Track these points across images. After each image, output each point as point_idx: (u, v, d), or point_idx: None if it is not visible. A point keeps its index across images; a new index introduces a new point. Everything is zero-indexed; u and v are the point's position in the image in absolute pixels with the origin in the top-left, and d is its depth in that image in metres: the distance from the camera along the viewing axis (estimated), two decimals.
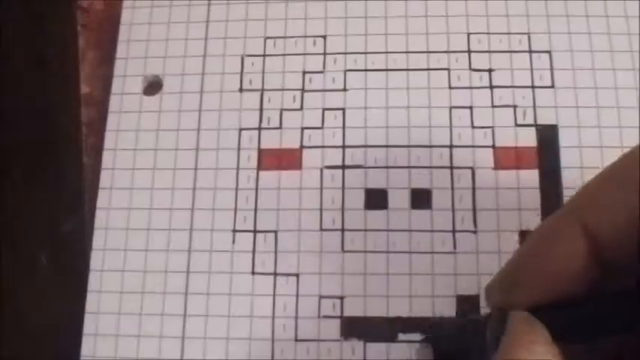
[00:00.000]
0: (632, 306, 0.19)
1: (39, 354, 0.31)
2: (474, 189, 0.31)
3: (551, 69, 0.32)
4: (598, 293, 0.20)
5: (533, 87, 0.32)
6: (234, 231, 0.31)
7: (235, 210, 0.31)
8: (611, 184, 0.20)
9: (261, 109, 0.32)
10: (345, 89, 0.32)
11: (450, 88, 0.32)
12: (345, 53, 0.33)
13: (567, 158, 0.31)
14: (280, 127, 0.32)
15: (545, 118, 0.31)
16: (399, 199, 0.31)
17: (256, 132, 0.32)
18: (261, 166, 0.32)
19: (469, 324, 0.27)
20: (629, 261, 0.20)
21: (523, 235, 0.30)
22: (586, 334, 0.21)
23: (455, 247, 0.30)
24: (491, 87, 0.32)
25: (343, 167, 0.31)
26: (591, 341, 0.21)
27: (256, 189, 0.31)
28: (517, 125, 0.31)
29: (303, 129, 0.32)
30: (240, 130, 0.32)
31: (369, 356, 0.29)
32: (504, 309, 0.22)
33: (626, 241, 0.19)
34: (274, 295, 0.30)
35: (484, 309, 0.28)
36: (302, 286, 0.30)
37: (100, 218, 0.32)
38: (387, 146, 0.31)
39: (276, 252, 0.30)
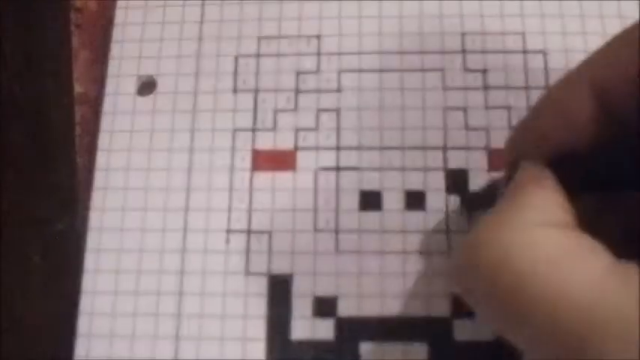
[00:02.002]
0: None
1: (32, 354, 0.31)
2: (467, 191, 0.31)
3: (546, 69, 0.32)
4: (606, 149, 0.21)
5: (527, 88, 0.32)
6: (228, 231, 0.31)
7: (229, 210, 0.31)
8: (622, 42, 0.20)
9: (255, 110, 0.32)
10: (339, 90, 0.32)
11: (444, 89, 0.32)
12: (340, 53, 0.33)
13: None
14: (274, 129, 0.32)
15: None
16: (393, 200, 0.31)
17: (250, 133, 0.32)
18: (255, 167, 0.32)
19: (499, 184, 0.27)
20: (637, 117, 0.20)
21: None
22: (598, 187, 0.21)
23: (449, 248, 0.30)
24: (485, 88, 0.32)
25: (337, 169, 0.31)
26: (605, 195, 0.22)
27: (250, 190, 0.31)
28: (512, 126, 0.31)
29: (297, 130, 0.32)
30: (235, 130, 0.32)
31: (363, 356, 0.29)
32: (516, 163, 0.23)
33: (634, 95, 0.20)
34: (268, 296, 0.30)
35: None
36: (296, 286, 0.30)
37: (94, 218, 0.32)
38: (381, 148, 0.31)
39: (270, 253, 0.30)
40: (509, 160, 0.25)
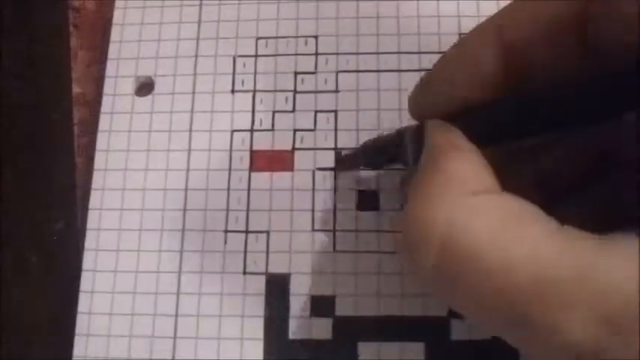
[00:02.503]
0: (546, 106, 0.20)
1: (30, 353, 0.31)
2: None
3: None
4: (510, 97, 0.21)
5: None
6: (226, 231, 0.31)
7: (227, 210, 0.31)
8: None
9: (253, 111, 0.32)
10: (337, 91, 0.32)
11: None
12: (337, 54, 0.33)
13: None
14: (272, 129, 0.32)
15: None
16: (390, 200, 0.31)
17: (248, 134, 0.32)
18: (253, 168, 0.32)
19: (396, 136, 0.26)
20: (543, 67, 0.20)
21: None
22: (503, 137, 0.21)
23: None
24: None
25: (335, 169, 0.31)
26: (511, 143, 0.22)
27: (248, 190, 0.31)
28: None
29: (295, 131, 0.32)
30: (233, 131, 0.32)
31: (361, 356, 0.29)
32: (421, 118, 0.23)
33: (540, 47, 0.20)
34: (266, 295, 0.30)
35: None
36: (294, 286, 0.30)
37: (92, 218, 0.32)
38: None
39: (268, 252, 0.31)
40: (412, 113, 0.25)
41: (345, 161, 0.31)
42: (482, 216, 0.18)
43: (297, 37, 0.33)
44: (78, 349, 0.30)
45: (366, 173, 0.31)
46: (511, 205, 0.19)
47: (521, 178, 0.24)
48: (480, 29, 0.22)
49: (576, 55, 0.20)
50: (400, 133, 0.26)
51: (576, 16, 0.19)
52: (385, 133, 0.28)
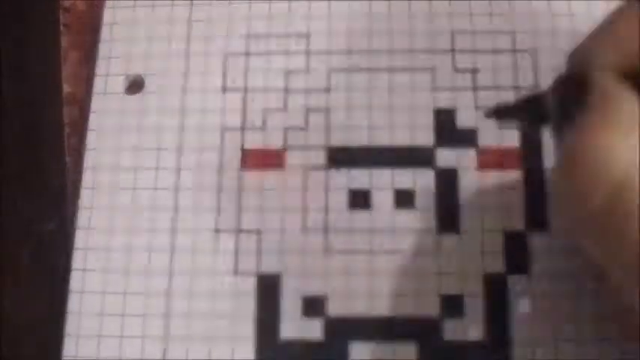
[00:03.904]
0: None
1: (20, 354, 0.31)
2: (457, 189, 0.30)
3: (535, 69, 0.32)
4: None
5: (516, 87, 0.32)
6: (217, 231, 0.31)
7: (218, 210, 0.31)
8: None
9: (244, 109, 0.32)
10: (328, 89, 0.32)
11: (434, 88, 0.32)
12: (329, 52, 0.33)
13: (551, 159, 0.31)
14: (264, 128, 0.32)
15: None
16: (382, 199, 0.31)
17: (239, 132, 0.32)
18: (244, 166, 0.32)
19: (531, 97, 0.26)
20: None
21: (507, 235, 0.30)
22: None
23: (438, 247, 0.30)
24: (475, 88, 0.32)
25: (327, 168, 0.31)
26: None
27: (239, 189, 0.31)
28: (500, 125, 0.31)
29: (286, 129, 0.32)
30: (223, 130, 0.32)
31: (353, 356, 0.29)
32: (586, 73, 0.22)
33: None
34: (257, 295, 0.30)
35: None
36: (285, 286, 0.30)
37: (83, 218, 0.31)
38: (370, 147, 0.31)
39: (259, 252, 0.30)
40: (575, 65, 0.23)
41: (504, 112, 0.28)
42: None
43: (288, 35, 0.33)
44: (68, 349, 0.30)
45: (359, 172, 0.31)
46: None
47: None
48: None
49: None
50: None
51: None
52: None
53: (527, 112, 0.26)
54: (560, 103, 0.23)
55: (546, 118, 0.25)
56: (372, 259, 0.30)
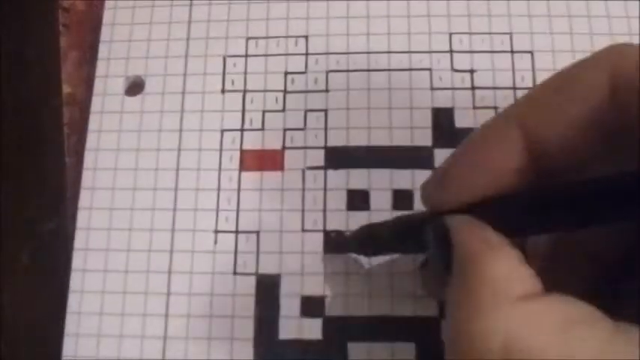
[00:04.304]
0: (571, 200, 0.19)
1: (20, 354, 0.31)
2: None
3: (533, 70, 0.32)
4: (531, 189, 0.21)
5: (514, 88, 0.32)
6: (216, 232, 0.31)
7: (217, 210, 0.31)
8: (551, 90, 0.20)
9: (243, 111, 0.32)
10: (327, 90, 0.32)
11: (432, 89, 0.32)
12: (327, 54, 0.33)
13: None
14: (262, 129, 0.32)
15: None
16: (380, 200, 0.31)
17: (238, 133, 0.32)
18: (243, 167, 0.32)
19: (404, 222, 0.26)
20: (568, 163, 0.20)
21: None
22: (524, 229, 0.21)
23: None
24: (473, 88, 0.32)
25: (325, 168, 0.31)
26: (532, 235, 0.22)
27: (238, 190, 0.31)
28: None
29: (285, 130, 0.32)
30: (223, 131, 0.32)
31: (351, 356, 0.29)
32: (437, 209, 0.22)
33: (565, 143, 0.20)
34: (256, 296, 0.30)
35: None
36: (284, 286, 0.30)
37: (82, 218, 0.32)
38: (369, 147, 0.31)
39: (258, 252, 0.30)
40: (427, 202, 0.24)
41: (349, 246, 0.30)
42: (541, 324, 0.18)
43: (287, 36, 0.33)
44: (67, 349, 0.30)
45: (357, 173, 0.31)
46: (566, 308, 0.18)
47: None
48: (499, 125, 0.21)
49: (602, 148, 0.20)
50: (411, 222, 0.26)
51: (602, 110, 0.19)
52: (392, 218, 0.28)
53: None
54: (435, 257, 0.23)
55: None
56: (370, 260, 0.30)
